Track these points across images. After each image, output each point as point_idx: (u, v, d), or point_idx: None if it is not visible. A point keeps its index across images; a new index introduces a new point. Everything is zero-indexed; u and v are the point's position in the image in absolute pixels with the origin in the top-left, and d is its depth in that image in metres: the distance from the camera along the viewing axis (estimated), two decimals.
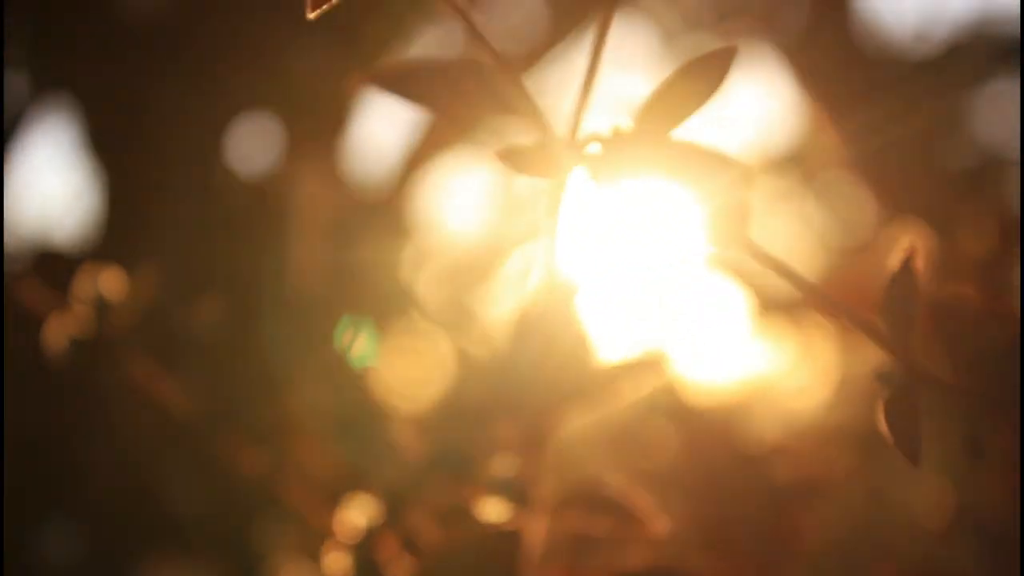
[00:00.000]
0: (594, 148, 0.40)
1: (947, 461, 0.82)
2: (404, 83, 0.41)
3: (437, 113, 0.42)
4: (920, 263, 0.43)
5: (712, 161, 0.40)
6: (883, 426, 0.41)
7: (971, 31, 1.32)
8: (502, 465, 0.57)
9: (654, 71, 1.38)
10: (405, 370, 0.89)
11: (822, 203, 1.32)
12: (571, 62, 1.29)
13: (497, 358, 0.62)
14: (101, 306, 0.62)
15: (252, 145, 1.17)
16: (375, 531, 0.59)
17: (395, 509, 0.59)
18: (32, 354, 0.64)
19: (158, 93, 1.14)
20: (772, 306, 0.83)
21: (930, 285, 0.72)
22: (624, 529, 0.54)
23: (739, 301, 0.84)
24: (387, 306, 0.88)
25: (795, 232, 1.41)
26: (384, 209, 1.18)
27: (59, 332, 0.62)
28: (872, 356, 0.45)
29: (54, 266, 1.09)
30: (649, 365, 0.63)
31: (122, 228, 1.14)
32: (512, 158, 0.39)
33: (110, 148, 1.16)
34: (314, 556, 0.62)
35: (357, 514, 0.59)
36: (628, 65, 1.36)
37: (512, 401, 0.60)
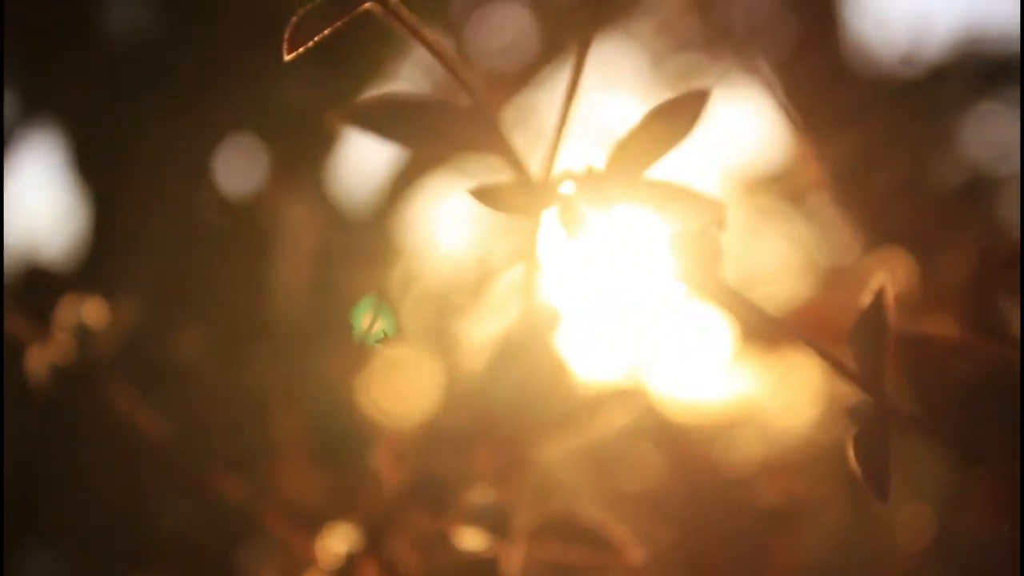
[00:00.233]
0: (567, 187, 0.41)
1: (927, 484, 0.82)
2: (378, 121, 0.41)
3: (412, 150, 0.42)
4: (890, 298, 0.43)
5: (684, 200, 0.41)
6: (852, 460, 0.42)
7: (958, 52, 1.33)
8: (480, 493, 0.57)
9: (641, 95, 1.39)
10: (386, 395, 0.89)
11: (807, 225, 1.32)
12: (557, 86, 1.29)
13: (477, 385, 0.63)
14: (83, 333, 0.62)
15: (237, 168, 1.18)
16: (355, 558, 0.60)
17: (375, 536, 0.60)
18: (14, 380, 0.64)
19: (144, 116, 1.14)
20: (752, 332, 0.83)
21: (903, 318, 0.73)
22: (601, 557, 0.55)
23: (719, 327, 0.84)
24: (369, 331, 0.88)
25: (780, 254, 1.42)
26: (369, 232, 1.19)
27: (42, 359, 0.62)
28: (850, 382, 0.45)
29: (39, 287, 1.09)
30: (628, 393, 0.63)
31: (107, 250, 1.14)
32: (485, 196, 0.40)
33: (96, 170, 1.16)
34: None
35: (338, 541, 0.60)
36: (614, 89, 1.37)
37: (491, 428, 0.60)
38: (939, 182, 1.33)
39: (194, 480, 0.63)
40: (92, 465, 0.96)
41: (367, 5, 0.38)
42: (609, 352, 0.78)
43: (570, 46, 1.25)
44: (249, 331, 1.01)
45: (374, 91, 1.26)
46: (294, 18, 0.38)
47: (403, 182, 1.19)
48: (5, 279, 1.09)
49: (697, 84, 1.33)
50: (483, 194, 0.40)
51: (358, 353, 0.89)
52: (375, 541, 0.60)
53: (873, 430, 0.42)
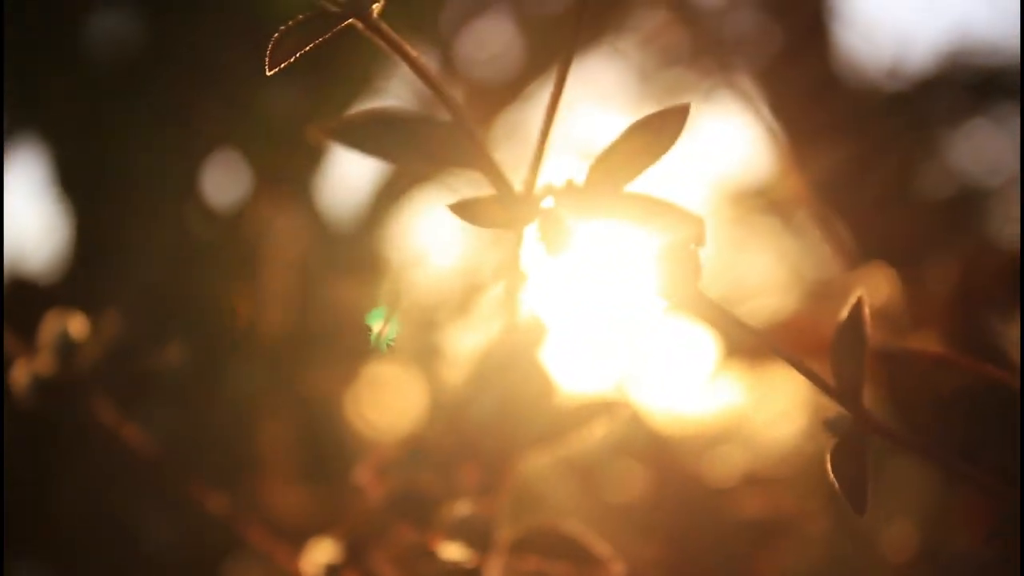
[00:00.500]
0: (548, 202, 0.41)
1: (910, 497, 0.83)
2: (361, 136, 0.42)
3: (394, 165, 0.43)
4: (867, 313, 0.43)
5: (663, 214, 0.41)
6: (831, 474, 0.42)
7: (944, 64, 1.33)
8: (462, 506, 0.57)
9: (626, 110, 1.39)
10: (370, 408, 0.89)
11: (792, 238, 1.32)
12: (543, 100, 1.29)
13: (460, 398, 0.63)
14: (67, 347, 0.62)
15: (223, 181, 1.17)
16: (337, 571, 0.60)
17: (358, 550, 0.60)
18: None
19: (128, 129, 1.14)
20: (735, 346, 0.83)
21: (886, 331, 0.73)
22: (583, 571, 0.55)
23: (702, 340, 0.85)
24: (355, 344, 0.89)
25: (765, 267, 1.42)
26: (355, 245, 1.19)
27: (25, 373, 0.62)
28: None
29: (23, 301, 1.08)
30: (611, 406, 0.63)
31: (91, 263, 1.14)
32: (466, 212, 0.40)
33: (80, 184, 1.16)
34: None
35: (321, 555, 0.60)
36: (599, 103, 1.37)
37: (474, 441, 0.60)
38: (925, 194, 1.34)
39: (178, 494, 0.63)
40: (75, 479, 0.96)
41: (348, 22, 0.39)
42: (593, 365, 0.79)
43: (555, 60, 1.26)
44: (234, 345, 1.01)
45: (361, 101, 1.26)
46: (276, 35, 0.38)
47: (389, 195, 1.19)
48: None
49: (679, 99, 1.34)
50: (464, 209, 0.40)
51: (343, 367, 0.89)
52: (358, 555, 0.60)
53: (851, 444, 0.42)
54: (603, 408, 0.63)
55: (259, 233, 0.98)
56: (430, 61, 1.29)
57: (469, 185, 0.44)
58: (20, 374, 0.61)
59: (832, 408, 0.43)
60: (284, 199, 1.04)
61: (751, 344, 0.70)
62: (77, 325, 0.62)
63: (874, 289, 0.81)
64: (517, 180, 0.44)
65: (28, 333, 0.63)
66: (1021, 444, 0.44)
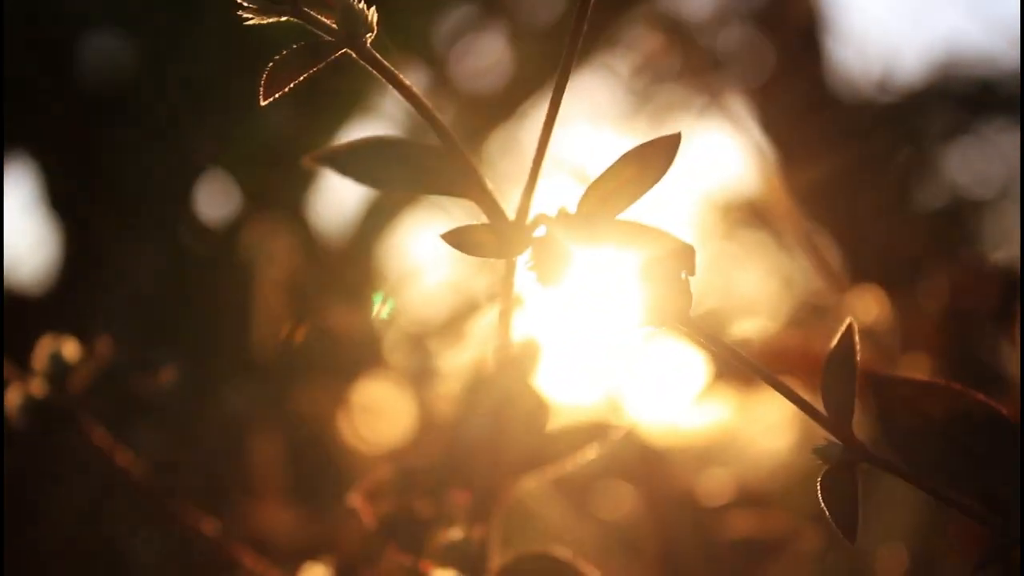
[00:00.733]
0: (541, 231, 0.41)
1: (900, 522, 0.83)
2: (353, 164, 0.42)
3: (384, 191, 0.43)
4: (857, 341, 0.43)
5: (656, 243, 0.41)
6: (821, 501, 0.42)
7: (936, 79, 1.34)
8: (454, 531, 0.57)
9: (620, 126, 1.39)
10: (362, 430, 0.89)
11: (784, 258, 1.33)
12: (538, 119, 1.30)
13: (452, 421, 0.63)
14: (58, 368, 0.62)
15: (214, 202, 1.18)
16: None
17: (350, 573, 0.60)
18: None
19: (121, 148, 1.14)
20: (725, 368, 0.83)
21: (878, 354, 0.73)
22: None
23: (693, 363, 0.85)
24: (347, 364, 0.88)
25: (757, 286, 1.42)
26: (347, 264, 1.19)
27: (17, 395, 0.62)
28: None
29: (14, 319, 1.08)
30: (602, 428, 0.63)
31: (82, 281, 1.14)
32: (459, 241, 0.40)
33: (72, 203, 1.16)
34: None
35: None
36: (595, 124, 1.38)
37: (465, 465, 0.60)
38: (916, 208, 1.34)
39: (169, 515, 0.63)
40: (65, 499, 0.96)
41: (341, 52, 0.39)
42: (585, 387, 0.79)
43: (549, 75, 1.26)
44: (225, 364, 1.01)
45: (354, 120, 1.26)
46: (270, 64, 0.38)
47: (382, 214, 1.19)
48: None
49: (671, 117, 1.34)
50: (457, 238, 0.40)
51: (335, 387, 0.89)
52: None
53: (841, 472, 0.42)
54: (596, 431, 0.63)
55: (251, 252, 0.98)
56: (424, 78, 1.29)
57: (462, 206, 0.44)
58: (13, 397, 0.61)
59: (823, 431, 0.44)
60: (276, 218, 1.04)
61: (740, 367, 0.70)
62: (68, 345, 0.62)
63: (864, 309, 0.81)
64: (510, 204, 0.44)
65: (20, 352, 0.63)
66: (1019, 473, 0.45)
